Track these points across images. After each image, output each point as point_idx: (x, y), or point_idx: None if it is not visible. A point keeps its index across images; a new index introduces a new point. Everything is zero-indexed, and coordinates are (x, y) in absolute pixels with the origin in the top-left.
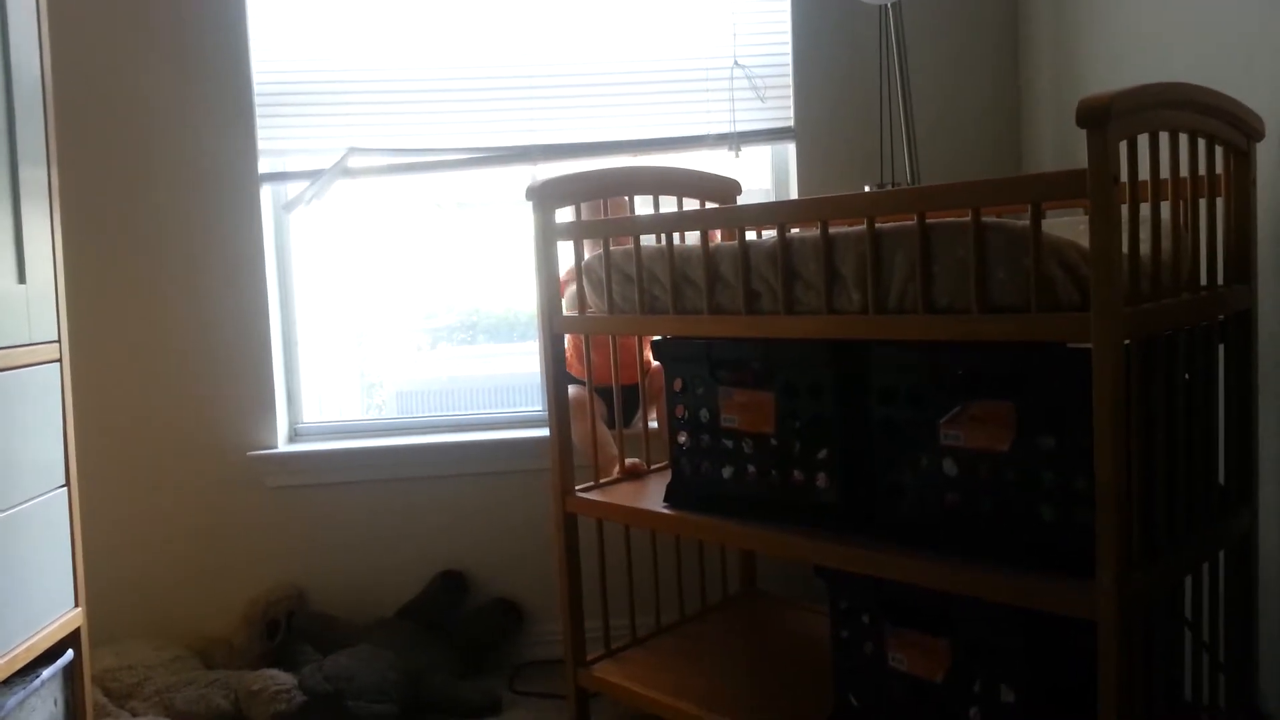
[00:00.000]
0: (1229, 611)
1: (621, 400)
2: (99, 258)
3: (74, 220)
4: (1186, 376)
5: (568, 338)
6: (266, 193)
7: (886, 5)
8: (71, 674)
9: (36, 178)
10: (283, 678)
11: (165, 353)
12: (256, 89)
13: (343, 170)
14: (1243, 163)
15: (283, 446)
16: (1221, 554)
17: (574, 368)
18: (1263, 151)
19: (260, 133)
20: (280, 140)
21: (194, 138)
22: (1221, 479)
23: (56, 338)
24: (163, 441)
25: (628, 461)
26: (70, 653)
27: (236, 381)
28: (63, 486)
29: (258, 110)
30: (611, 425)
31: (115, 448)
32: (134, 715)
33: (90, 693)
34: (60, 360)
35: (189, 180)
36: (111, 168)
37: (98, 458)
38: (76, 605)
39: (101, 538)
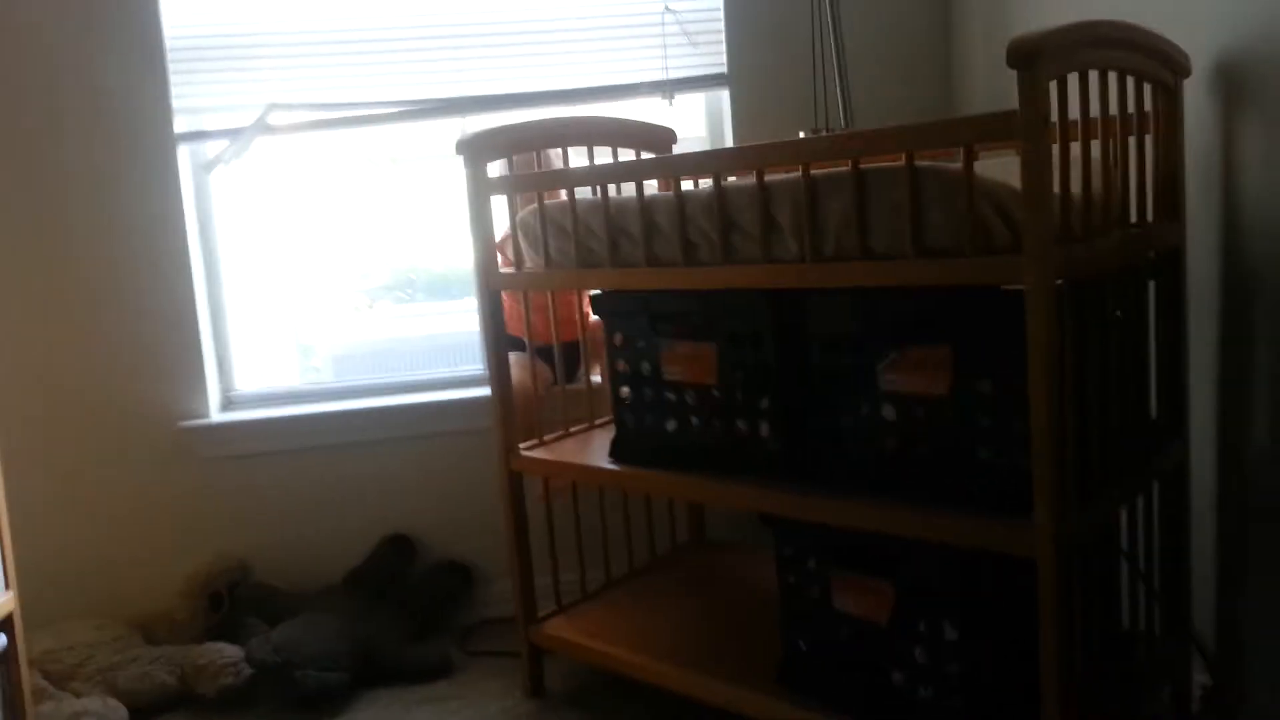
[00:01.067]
0: (1163, 541)
1: (563, 357)
2: (8, 224)
3: None
4: (1119, 314)
5: (505, 298)
6: (184, 153)
7: None
8: (6, 659)
9: None
10: (229, 650)
11: (84, 322)
12: (169, 44)
13: (264, 127)
14: (1171, 100)
15: (215, 416)
16: (1155, 485)
17: (512, 327)
18: (1189, 88)
19: (175, 90)
20: (197, 98)
21: (105, 95)
22: (1154, 412)
23: None
24: (88, 415)
25: None
26: (2, 637)
27: (162, 350)
28: None
29: (171, 66)
30: (555, 384)
31: (38, 424)
32: (76, 696)
33: (28, 677)
34: None
35: (100, 139)
36: (19, 127)
37: (19, 434)
38: (7, 589)
39: (31, 518)
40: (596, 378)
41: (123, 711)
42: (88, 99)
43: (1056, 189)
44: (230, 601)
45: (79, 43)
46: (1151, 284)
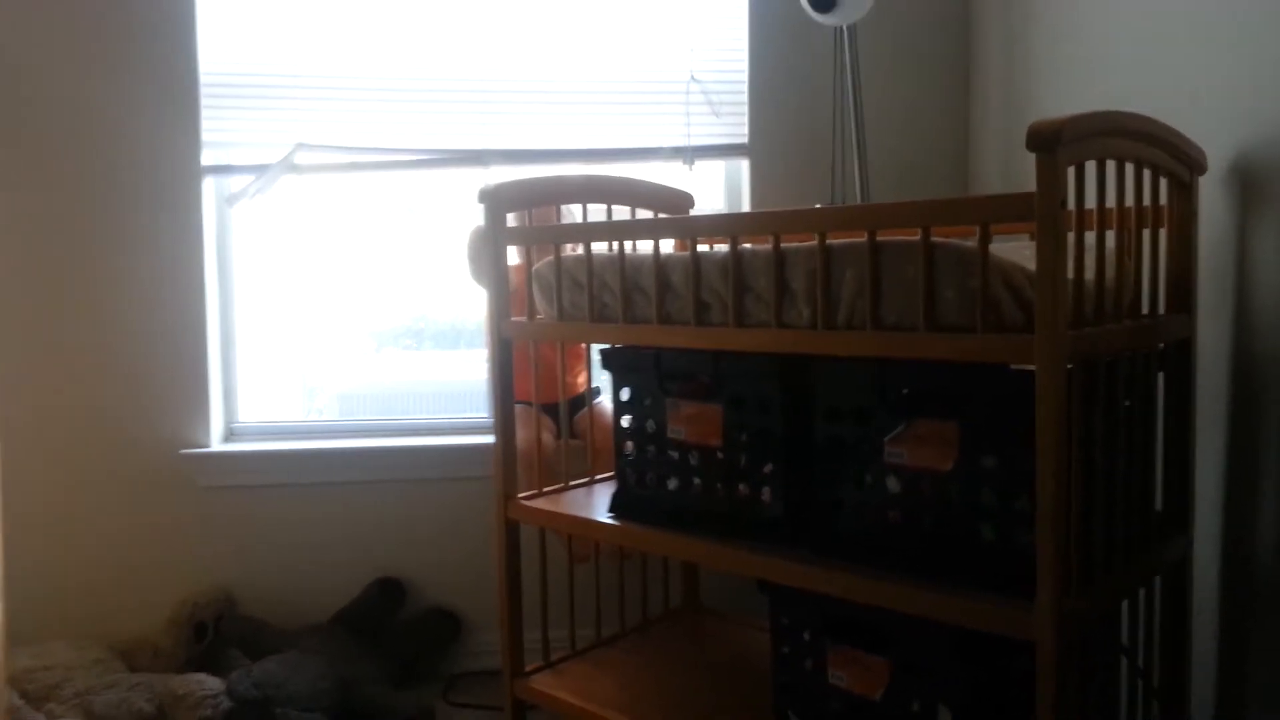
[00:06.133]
0: (1163, 637)
1: (569, 413)
2: (29, 245)
3: (6, 205)
4: (1127, 403)
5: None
6: (209, 185)
7: (842, 26)
8: None
9: None
10: (210, 683)
11: (95, 345)
12: (203, 78)
13: (289, 166)
14: (1185, 195)
15: (216, 445)
16: (1157, 580)
17: (518, 390)
18: (1204, 183)
19: (205, 123)
20: (225, 132)
21: (135, 125)
22: (1159, 505)
23: None
24: (91, 436)
25: None
26: None
27: (170, 378)
28: None
29: (203, 100)
30: (559, 438)
31: (40, 441)
32: (51, 718)
33: (5, 694)
34: None
35: (127, 168)
36: (45, 154)
37: (21, 451)
38: None
39: (23, 534)
40: None
41: None
42: (119, 126)
43: (1070, 274)
44: (215, 633)
45: (114, 72)
46: (1160, 375)
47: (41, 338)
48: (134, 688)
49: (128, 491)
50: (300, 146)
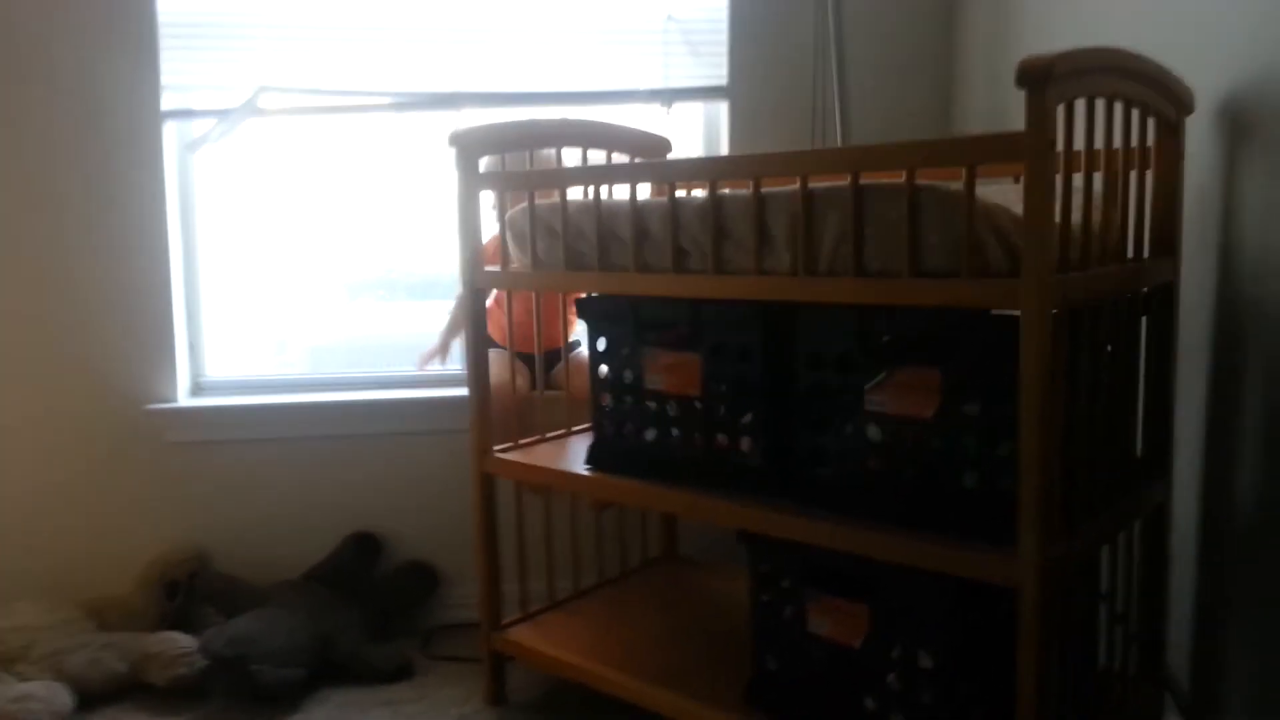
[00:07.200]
0: (1142, 583)
1: (544, 363)
2: None
3: None
4: (1109, 348)
5: (490, 300)
6: (170, 130)
7: None
8: None
9: None
10: (183, 640)
11: (58, 296)
12: (160, 18)
13: (253, 109)
14: (1172, 136)
15: (183, 400)
16: (1137, 525)
17: (492, 331)
18: (1190, 126)
19: (164, 65)
20: (186, 75)
21: (91, 68)
22: (1139, 451)
23: None
24: (53, 391)
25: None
26: None
27: (135, 330)
28: None
29: (162, 41)
30: (534, 389)
31: (1, 399)
32: (21, 679)
33: None
34: None
35: (83, 113)
36: None
37: None
38: None
39: None
40: None
41: (67, 697)
42: (75, 69)
43: (1057, 217)
44: (187, 591)
45: (67, 12)
46: (1144, 319)
47: None
48: (105, 647)
49: (93, 448)
50: (263, 89)
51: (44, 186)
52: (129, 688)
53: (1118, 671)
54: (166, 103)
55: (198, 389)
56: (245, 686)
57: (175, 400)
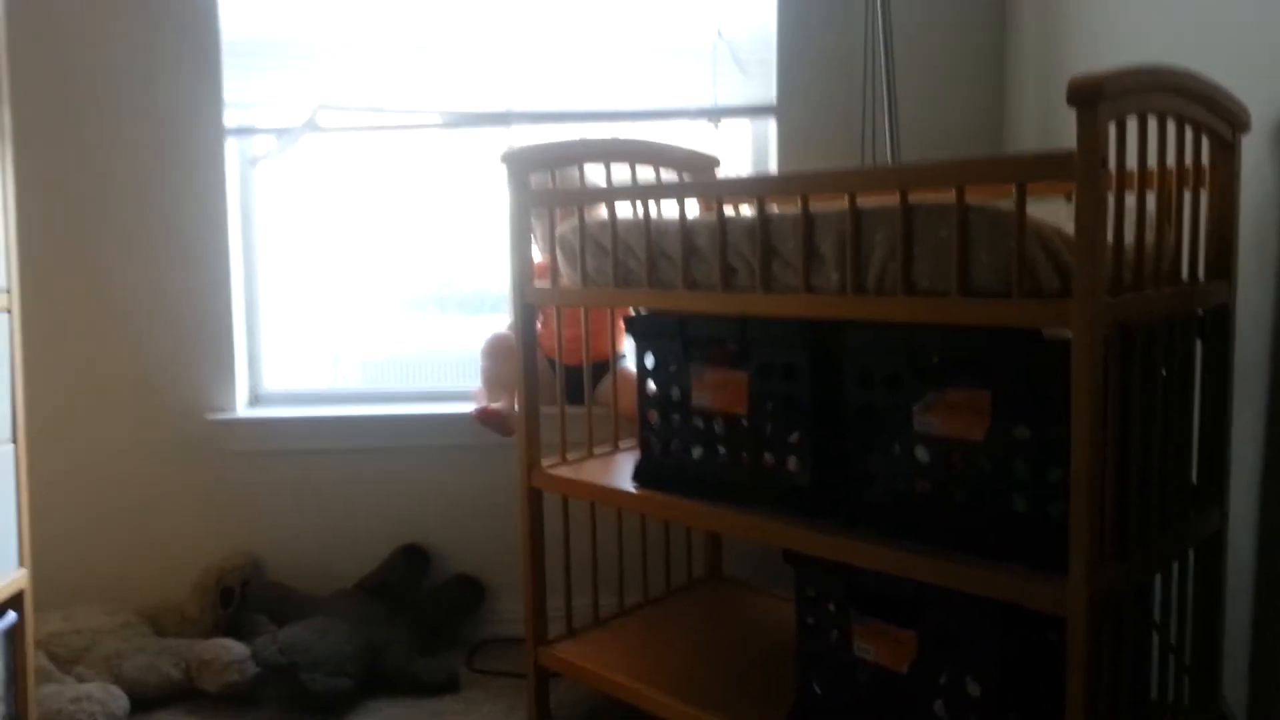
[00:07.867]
0: (1196, 613)
1: (591, 378)
2: (54, 207)
3: (30, 167)
4: (1163, 372)
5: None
6: (232, 146)
7: None
8: (14, 636)
9: None
10: (236, 648)
11: (122, 308)
12: (224, 37)
13: (311, 126)
14: (1228, 155)
15: (242, 411)
16: (1190, 553)
17: (543, 349)
18: (1246, 145)
19: (226, 84)
20: (247, 93)
21: (157, 87)
22: (1193, 477)
23: (7, 287)
24: (116, 401)
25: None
26: (13, 614)
27: (196, 342)
28: (9, 443)
29: (225, 61)
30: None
31: (67, 404)
32: (80, 681)
33: (34, 656)
34: (10, 311)
35: (149, 130)
36: (66, 117)
37: (48, 414)
38: (21, 566)
39: (51, 497)
40: None
41: (124, 700)
42: (142, 89)
43: (1109, 237)
44: (241, 599)
45: (135, 33)
46: (1198, 343)
47: (65, 303)
48: (161, 652)
49: (154, 456)
50: (322, 107)
51: (110, 202)
52: (182, 693)
53: (1170, 704)
54: (229, 120)
55: (255, 400)
56: (296, 695)
57: (234, 411)
